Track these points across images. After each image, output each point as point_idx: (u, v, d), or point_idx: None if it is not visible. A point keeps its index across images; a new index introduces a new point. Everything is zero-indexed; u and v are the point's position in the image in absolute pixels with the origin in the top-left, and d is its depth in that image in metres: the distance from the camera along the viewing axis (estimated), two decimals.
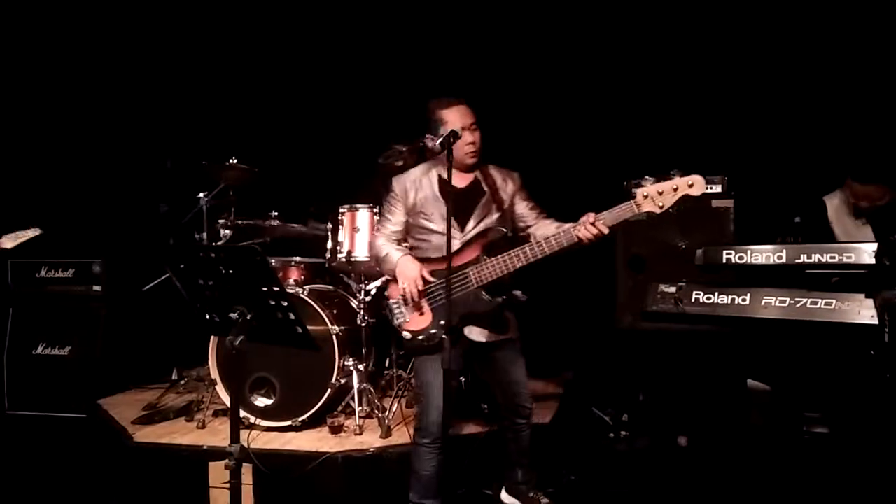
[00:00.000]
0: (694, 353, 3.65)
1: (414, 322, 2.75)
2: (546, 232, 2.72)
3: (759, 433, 3.38)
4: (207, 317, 2.40)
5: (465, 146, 2.71)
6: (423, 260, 2.75)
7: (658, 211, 2.50)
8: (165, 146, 5.17)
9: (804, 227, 3.28)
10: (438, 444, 2.71)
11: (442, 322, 2.65)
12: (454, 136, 2.54)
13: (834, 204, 3.16)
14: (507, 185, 2.84)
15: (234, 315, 2.29)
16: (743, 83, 4.43)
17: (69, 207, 4.98)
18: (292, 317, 2.26)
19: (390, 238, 2.86)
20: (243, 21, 5.16)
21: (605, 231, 2.53)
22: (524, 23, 4.84)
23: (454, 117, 2.72)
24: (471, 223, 2.76)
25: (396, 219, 2.86)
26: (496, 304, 2.68)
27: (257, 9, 5.14)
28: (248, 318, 2.29)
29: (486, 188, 2.81)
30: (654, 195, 2.49)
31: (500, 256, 2.63)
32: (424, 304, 2.73)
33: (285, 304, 2.24)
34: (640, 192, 2.52)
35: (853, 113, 4.05)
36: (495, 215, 2.77)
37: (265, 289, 2.23)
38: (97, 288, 4.45)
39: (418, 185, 2.83)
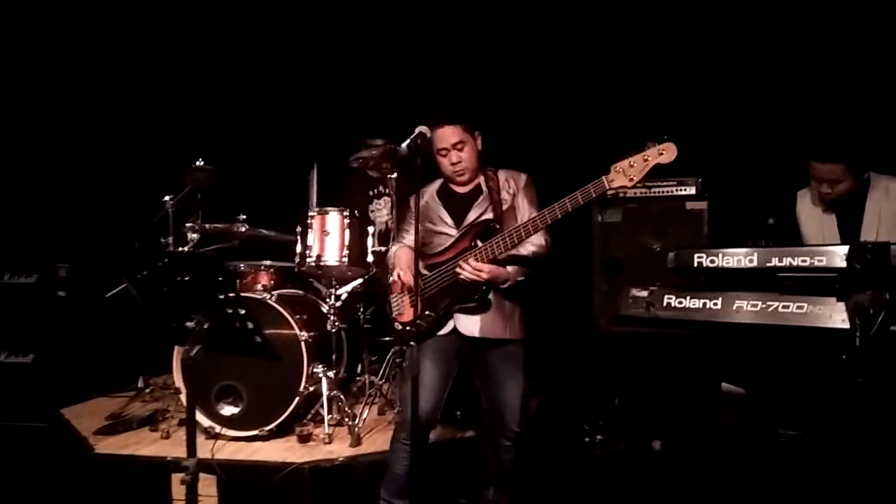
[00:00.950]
0: (668, 357, 3.63)
1: (407, 314, 2.86)
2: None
3: (733, 436, 3.36)
4: (165, 326, 2.32)
5: (449, 166, 2.83)
6: (426, 257, 2.86)
7: (629, 185, 2.51)
8: (133, 148, 5.05)
9: (778, 230, 3.28)
10: (412, 443, 2.71)
11: (427, 312, 2.76)
12: (422, 137, 2.55)
13: (805, 198, 3.21)
14: (509, 185, 2.90)
15: (190, 324, 2.22)
16: (717, 85, 4.41)
17: (33, 211, 4.85)
18: (250, 325, 2.19)
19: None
20: (210, 22, 5.04)
21: (481, 269, 2.65)
22: (494, 21, 4.79)
23: (435, 139, 2.79)
24: (467, 220, 2.86)
25: (413, 227, 2.93)
26: (479, 287, 2.71)
27: (224, 9, 5.03)
28: (205, 326, 2.22)
29: (485, 189, 2.90)
30: (625, 168, 2.51)
31: (485, 244, 2.71)
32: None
33: (243, 312, 2.17)
34: (612, 168, 2.53)
35: (824, 107, 4.06)
36: (490, 213, 2.84)
37: (222, 296, 2.16)
38: (62, 293, 4.33)
39: (424, 195, 2.94)
